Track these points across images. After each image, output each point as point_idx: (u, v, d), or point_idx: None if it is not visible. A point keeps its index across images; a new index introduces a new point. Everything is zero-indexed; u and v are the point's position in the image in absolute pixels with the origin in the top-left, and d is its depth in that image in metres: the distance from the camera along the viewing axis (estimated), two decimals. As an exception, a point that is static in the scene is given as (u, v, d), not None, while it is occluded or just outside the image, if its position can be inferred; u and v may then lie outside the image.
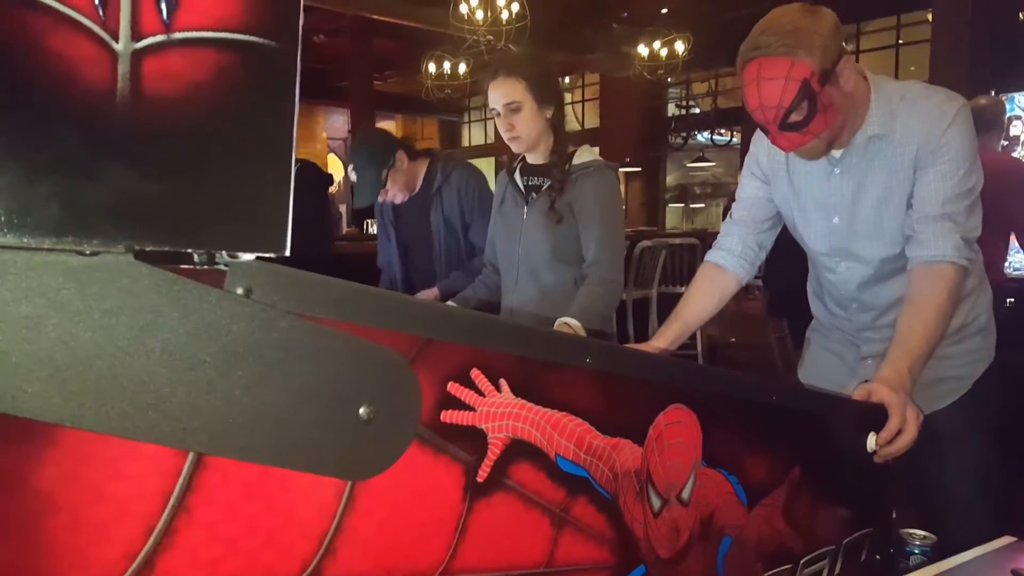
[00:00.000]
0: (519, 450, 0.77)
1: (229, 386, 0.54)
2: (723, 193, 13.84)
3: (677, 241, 5.80)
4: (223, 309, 0.54)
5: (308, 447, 0.59)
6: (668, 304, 5.74)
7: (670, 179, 15.42)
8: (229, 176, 0.51)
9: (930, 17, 6.95)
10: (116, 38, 0.45)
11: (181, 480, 0.54)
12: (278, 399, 0.57)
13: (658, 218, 14.22)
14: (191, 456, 0.54)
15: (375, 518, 0.65)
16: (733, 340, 6.45)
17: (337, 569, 0.63)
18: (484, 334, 0.75)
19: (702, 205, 16.31)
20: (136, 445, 0.52)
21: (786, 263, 1.87)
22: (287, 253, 0.54)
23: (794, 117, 1.30)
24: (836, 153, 1.46)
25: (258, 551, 0.59)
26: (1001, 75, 5.23)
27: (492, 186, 2.39)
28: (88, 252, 0.48)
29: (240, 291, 0.55)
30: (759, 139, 1.59)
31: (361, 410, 0.62)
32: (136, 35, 0.46)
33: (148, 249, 0.49)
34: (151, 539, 0.53)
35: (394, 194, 2.55)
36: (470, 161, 2.82)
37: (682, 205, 16.31)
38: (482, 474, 0.74)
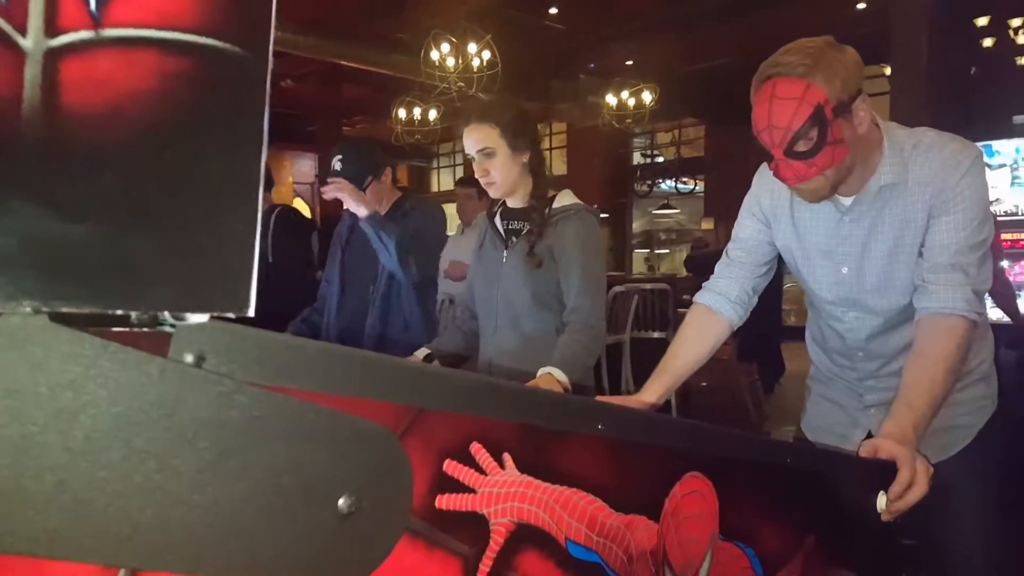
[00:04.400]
0: (525, 536, 0.66)
1: (173, 481, 0.43)
2: (688, 239, 14.06)
3: (649, 286, 5.82)
4: (167, 382, 0.42)
5: (275, 553, 0.47)
6: (641, 349, 5.71)
7: (636, 225, 15.59)
8: (177, 216, 0.40)
9: (888, 72, 7.11)
10: (23, 32, 0.34)
11: (108, 606, 0.42)
12: (236, 495, 0.45)
13: (625, 263, 14.30)
14: (122, 573, 0.42)
15: (356, 632, 0.53)
16: (704, 384, 6.39)
17: None
18: (485, 401, 0.63)
19: (667, 251, 16.50)
20: (50, 564, 0.40)
21: (755, 307, 1.79)
22: (251, 313, 0.42)
23: (801, 145, 1.25)
24: (846, 201, 1.41)
25: None
26: (959, 128, 5.34)
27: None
28: (-15, 314, 0.36)
29: (189, 359, 0.44)
30: (761, 179, 1.53)
31: (340, 502, 0.51)
32: (52, 30, 0.34)
33: (66, 311, 0.37)
34: None
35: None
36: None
37: (647, 251, 16.47)
38: (483, 569, 0.62)
